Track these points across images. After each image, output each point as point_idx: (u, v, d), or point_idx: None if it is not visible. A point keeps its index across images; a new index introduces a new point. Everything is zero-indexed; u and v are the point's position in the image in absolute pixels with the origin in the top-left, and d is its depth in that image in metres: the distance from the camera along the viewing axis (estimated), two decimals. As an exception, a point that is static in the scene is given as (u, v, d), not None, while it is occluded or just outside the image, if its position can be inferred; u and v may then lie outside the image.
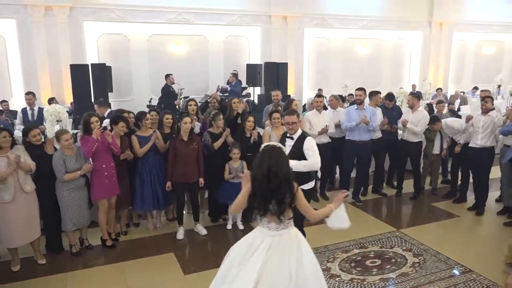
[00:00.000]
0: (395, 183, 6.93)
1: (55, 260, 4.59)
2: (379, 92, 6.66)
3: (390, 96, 7.04)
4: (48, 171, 4.43)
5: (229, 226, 5.40)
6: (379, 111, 6.52)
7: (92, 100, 9.38)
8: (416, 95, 7.05)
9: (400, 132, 6.87)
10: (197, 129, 5.59)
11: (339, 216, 2.92)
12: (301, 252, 2.73)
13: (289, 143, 4.07)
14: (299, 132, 4.12)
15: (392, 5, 13.95)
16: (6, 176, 4.00)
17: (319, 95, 6.47)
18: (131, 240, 5.12)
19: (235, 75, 11.06)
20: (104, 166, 4.66)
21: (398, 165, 6.80)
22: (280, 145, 2.85)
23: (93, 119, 4.68)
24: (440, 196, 6.62)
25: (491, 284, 3.99)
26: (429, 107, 8.25)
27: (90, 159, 4.63)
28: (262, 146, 2.83)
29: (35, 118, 6.91)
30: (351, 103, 7.88)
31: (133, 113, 5.69)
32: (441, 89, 14.14)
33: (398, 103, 8.62)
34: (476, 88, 14.41)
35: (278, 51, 12.62)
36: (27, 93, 7.18)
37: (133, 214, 5.58)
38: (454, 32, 15.51)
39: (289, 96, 10.92)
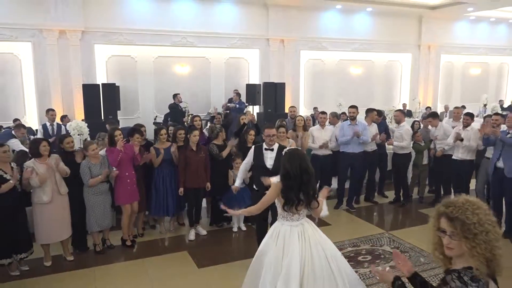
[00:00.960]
0: (387, 193, 7.59)
1: (81, 258, 5.14)
2: (375, 110, 7.36)
3: (379, 112, 7.80)
4: (76, 177, 5.02)
5: (234, 229, 5.99)
6: (374, 127, 7.17)
7: (102, 117, 10.02)
8: (403, 112, 7.80)
9: (387, 146, 7.55)
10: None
11: (324, 207, 3.51)
12: (323, 236, 3.35)
13: (270, 155, 4.61)
14: (277, 145, 4.71)
15: (382, 29, 14.83)
16: (45, 180, 4.59)
17: (323, 112, 7.20)
18: (148, 241, 5.68)
19: (238, 94, 11.78)
20: (127, 174, 5.26)
21: (394, 176, 7.40)
22: (300, 148, 3.52)
23: (117, 133, 5.30)
24: (427, 203, 7.23)
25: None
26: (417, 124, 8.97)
27: (114, 167, 5.23)
28: (285, 150, 3.46)
29: (55, 133, 7.52)
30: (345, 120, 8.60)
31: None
32: (430, 107, 14.91)
33: (388, 120, 9.37)
34: (463, 107, 15.20)
35: (276, 72, 13.38)
36: (50, 110, 7.83)
37: (149, 218, 6.15)
38: (441, 54, 16.43)
39: (286, 114, 11.62)
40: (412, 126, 8.04)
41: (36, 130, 9.28)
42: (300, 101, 14.21)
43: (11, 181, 4.38)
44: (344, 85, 14.89)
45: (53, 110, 7.86)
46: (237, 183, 5.03)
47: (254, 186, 4.73)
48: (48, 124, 7.68)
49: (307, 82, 14.39)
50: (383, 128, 7.52)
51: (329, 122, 7.53)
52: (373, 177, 7.47)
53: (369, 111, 7.24)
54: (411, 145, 7.24)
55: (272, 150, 4.64)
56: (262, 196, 3.50)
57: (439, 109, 15.90)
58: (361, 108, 7.25)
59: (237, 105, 11.42)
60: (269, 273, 3.20)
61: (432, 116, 7.32)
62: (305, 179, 3.24)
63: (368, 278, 4.50)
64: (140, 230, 5.87)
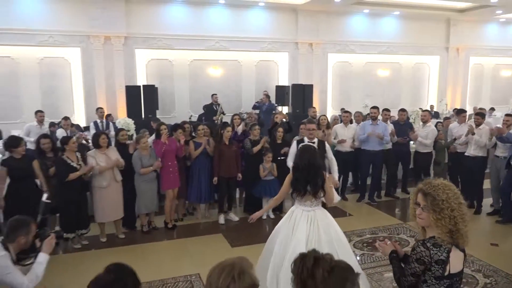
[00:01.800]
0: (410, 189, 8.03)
1: (130, 236, 5.92)
2: (389, 110, 7.85)
3: (403, 111, 8.24)
4: (128, 166, 5.79)
5: (264, 216, 6.62)
6: (390, 126, 7.64)
7: (143, 116, 10.88)
8: (430, 112, 8.23)
9: (412, 144, 7.99)
10: (240, 128, 7.06)
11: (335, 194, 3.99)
12: (332, 222, 3.85)
13: None
14: (316, 139, 5.35)
15: (409, 32, 15.11)
16: (105, 170, 5.39)
17: (346, 111, 7.77)
18: (187, 225, 6.42)
19: (267, 96, 12.43)
20: (170, 163, 6.01)
21: (416, 173, 7.84)
22: (313, 145, 4.09)
23: (162, 127, 6.05)
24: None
25: (475, 259, 5.04)
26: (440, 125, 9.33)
27: (159, 158, 5.98)
28: (300, 145, 4.06)
29: (104, 128, 8.42)
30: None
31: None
32: (457, 109, 15.05)
33: (411, 121, 9.77)
34: (492, 109, 15.25)
35: (304, 74, 13.93)
36: (99, 108, 8.78)
37: (188, 206, 6.88)
38: (470, 56, 16.48)
39: (321, 115, 12.20)
40: (435, 127, 8.44)
41: (84, 127, 10.24)
42: (328, 102, 14.70)
43: (78, 172, 5.18)
44: (371, 87, 15.25)
45: (102, 108, 8.81)
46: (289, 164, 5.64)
47: None
48: (98, 121, 8.60)
49: (334, 84, 14.86)
50: (408, 128, 7.93)
51: (355, 121, 8.08)
52: (395, 173, 7.93)
53: (384, 110, 7.65)
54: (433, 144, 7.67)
55: (314, 143, 5.24)
56: None
57: (468, 112, 15.97)
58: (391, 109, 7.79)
59: (266, 107, 12.04)
60: (278, 254, 3.66)
61: (458, 112, 7.67)
62: (312, 173, 3.70)
63: (381, 260, 5.03)
64: (181, 215, 6.62)
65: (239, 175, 6.42)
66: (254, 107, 12.26)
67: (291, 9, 13.41)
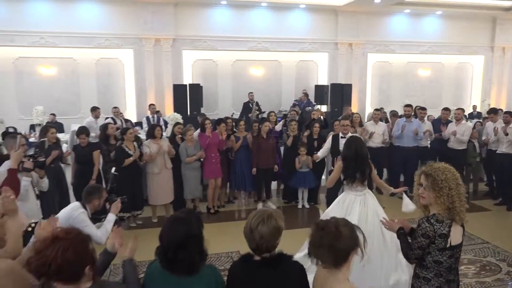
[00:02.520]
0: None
1: (178, 219, 6.57)
2: (424, 108, 8.06)
3: (446, 109, 8.43)
4: (178, 156, 6.45)
5: (299, 206, 7.10)
6: (427, 124, 7.86)
7: (188, 113, 11.64)
8: (463, 110, 8.35)
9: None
10: (279, 127, 7.63)
11: (407, 202, 4.16)
12: (377, 204, 4.25)
13: (343, 142, 5.66)
14: (349, 134, 5.76)
15: (452, 32, 14.97)
16: (155, 157, 6.08)
17: (377, 109, 8.12)
18: (228, 211, 7.02)
19: (306, 94, 12.86)
20: (212, 155, 6.62)
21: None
22: (359, 135, 4.52)
23: (206, 122, 6.68)
24: (481, 195, 7.78)
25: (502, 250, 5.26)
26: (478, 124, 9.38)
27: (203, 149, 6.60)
28: (348, 135, 4.52)
29: (156, 122, 9.21)
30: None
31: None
32: (501, 109, 14.73)
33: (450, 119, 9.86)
34: (540, 109, 14.81)
35: (343, 74, 14.21)
36: (151, 105, 9.65)
37: (230, 194, 7.48)
38: (517, 55, 16.07)
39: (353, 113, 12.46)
40: (474, 126, 8.53)
41: (135, 122, 11.13)
42: (367, 102, 14.87)
43: (131, 158, 5.91)
44: (411, 87, 15.26)
45: (154, 105, 9.70)
46: (320, 155, 6.39)
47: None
48: (150, 116, 9.45)
49: (373, 83, 15.01)
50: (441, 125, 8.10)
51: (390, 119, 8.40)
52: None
53: (421, 108, 7.86)
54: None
55: (344, 137, 5.73)
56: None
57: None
58: (429, 110, 8.04)
59: (303, 105, 12.47)
60: None
61: (493, 112, 7.79)
62: (359, 161, 4.15)
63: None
64: (222, 202, 7.22)
65: (276, 166, 6.93)
66: (293, 105, 12.73)
67: (331, 10, 13.74)
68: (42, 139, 5.30)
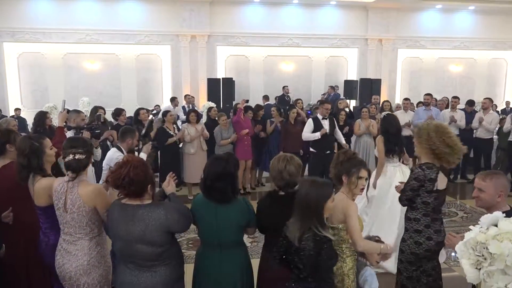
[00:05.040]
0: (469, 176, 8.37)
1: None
2: (457, 97, 8.29)
3: (470, 102, 8.59)
4: (212, 139, 7.02)
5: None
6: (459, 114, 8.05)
7: (221, 106, 12.23)
8: (491, 100, 8.47)
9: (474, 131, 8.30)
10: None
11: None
12: None
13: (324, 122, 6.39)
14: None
15: (485, 27, 14.82)
16: (195, 139, 6.67)
17: (406, 98, 8.49)
18: (258, 192, 7.52)
19: (332, 87, 13.22)
20: (244, 138, 7.14)
21: (477, 159, 8.17)
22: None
23: (238, 106, 7.23)
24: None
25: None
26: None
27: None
28: (385, 114, 4.98)
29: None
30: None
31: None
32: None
33: (477, 110, 9.96)
34: None
35: (373, 69, 14.41)
36: (187, 95, 10.32)
37: (260, 178, 7.98)
38: (555, 51, 15.72)
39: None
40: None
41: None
42: (396, 97, 14.98)
43: (174, 138, 6.52)
44: (442, 83, 15.24)
45: (189, 95, 10.34)
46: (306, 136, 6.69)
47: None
48: (185, 106, 10.12)
49: (403, 79, 15.12)
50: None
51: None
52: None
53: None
54: (496, 131, 7.97)
55: (327, 119, 6.35)
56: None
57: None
58: (461, 105, 8.39)
59: (330, 97, 12.79)
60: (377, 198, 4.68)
61: None
62: (399, 136, 4.80)
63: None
64: (253, 185, 7.73)
65: (301, 150, 7.36)
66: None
67: (362, 7, 13.99)
68: (98, 113, 5.94)
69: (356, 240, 2.50)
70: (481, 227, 1.74)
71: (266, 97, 12.48)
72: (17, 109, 11.53)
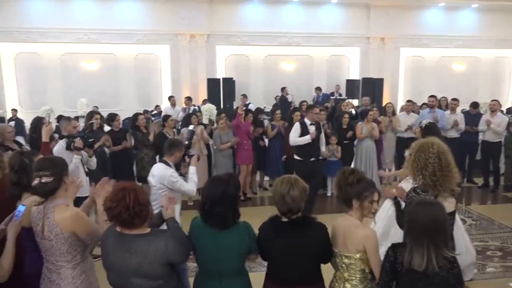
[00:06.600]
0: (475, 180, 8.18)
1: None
2: (457, 99, 8.08)
3: (474, 104, 8.38)
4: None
5: (328, 193, 7.33)
6: (459, 116, 7.87)
7: (221, 106, 12.04)
8: (499, 102, 8.27)
9: (480, 135, 8.10)
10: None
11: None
12: None
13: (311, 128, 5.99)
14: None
15: (489, 25, 14.59)
16: (195, 143, 6.48)
17: (409, 100, 8.29)
18: (260, 197, 7.35)
19: (319, 88, 13.14)
20: (244, 142, 6.94)
21: (485, 163, 7.95)
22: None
23: (239, 110, 7.01)
24: (512, 189, 7.73)
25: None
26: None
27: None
28: (423, 123, 4.81)
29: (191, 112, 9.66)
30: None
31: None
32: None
33: (482, 112, 9.77)
34: None
35: (375, 68, 14.20)
36: (188, 97, 10.07)
37: (262, 183, 7.79)
38: (560, 49, 15.50)
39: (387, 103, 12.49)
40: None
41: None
42: (399, 96, 14.79)
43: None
44: (446, 81, 15.01)
45: (189, 96, 10.12)
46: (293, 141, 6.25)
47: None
48: (185, 107, 9.95)
49: (406, 78, 14.92)
50: (479, 119, 7.96)
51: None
52: (460, 163, 8.10)
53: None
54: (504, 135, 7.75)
55: (314, 124, 6.00)
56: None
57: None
58: (464, 104, 8.32)
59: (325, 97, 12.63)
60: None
61: None
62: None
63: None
64: (254, 189, 7.55)
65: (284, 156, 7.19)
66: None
67: (364, 5, 13.77)
68: (90, 121, 5.74)
69: (377, 273, 2.36)
70: None
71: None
72: (14, 110, 11.37)
